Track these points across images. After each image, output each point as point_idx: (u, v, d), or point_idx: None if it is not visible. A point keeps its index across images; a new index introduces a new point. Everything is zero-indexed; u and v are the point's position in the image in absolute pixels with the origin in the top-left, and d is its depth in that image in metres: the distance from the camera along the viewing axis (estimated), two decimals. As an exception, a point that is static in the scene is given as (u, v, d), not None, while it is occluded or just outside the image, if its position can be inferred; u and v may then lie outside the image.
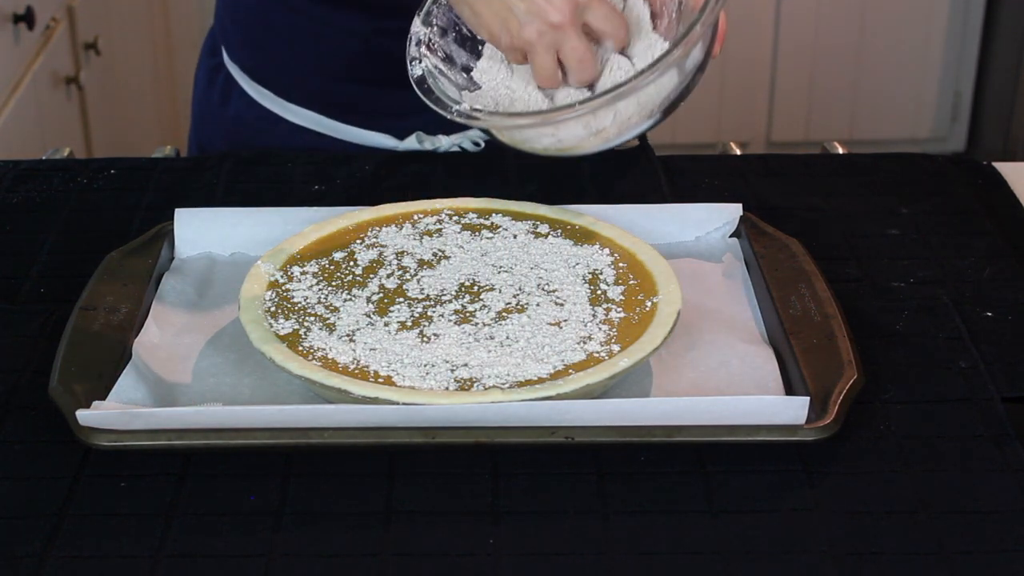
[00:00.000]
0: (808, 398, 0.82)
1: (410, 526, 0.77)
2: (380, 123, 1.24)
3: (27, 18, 1.96)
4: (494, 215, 1.01)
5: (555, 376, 0.84)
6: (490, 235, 0.99)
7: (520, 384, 0.83)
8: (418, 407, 0.81)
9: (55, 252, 1.05)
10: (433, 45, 1.02)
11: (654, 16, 1.01)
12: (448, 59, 1.02)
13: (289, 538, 0.76)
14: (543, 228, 1.00)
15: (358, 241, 0.98)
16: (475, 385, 0.83)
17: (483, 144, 1.24)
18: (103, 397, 0.84)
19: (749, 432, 0.81)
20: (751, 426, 0.81)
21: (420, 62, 1.01)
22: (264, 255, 0.95)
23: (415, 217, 1.01)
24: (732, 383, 0.87)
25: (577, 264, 0.95)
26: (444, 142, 1.23)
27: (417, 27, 1.03)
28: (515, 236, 0.99)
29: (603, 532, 0.76)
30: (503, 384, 0.83)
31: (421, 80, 1.00)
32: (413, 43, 1.02)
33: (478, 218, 1.01)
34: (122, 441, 0.81)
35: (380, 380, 0.83)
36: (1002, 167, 1.18)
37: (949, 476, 0.81)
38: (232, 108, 1.27)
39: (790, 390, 0.87)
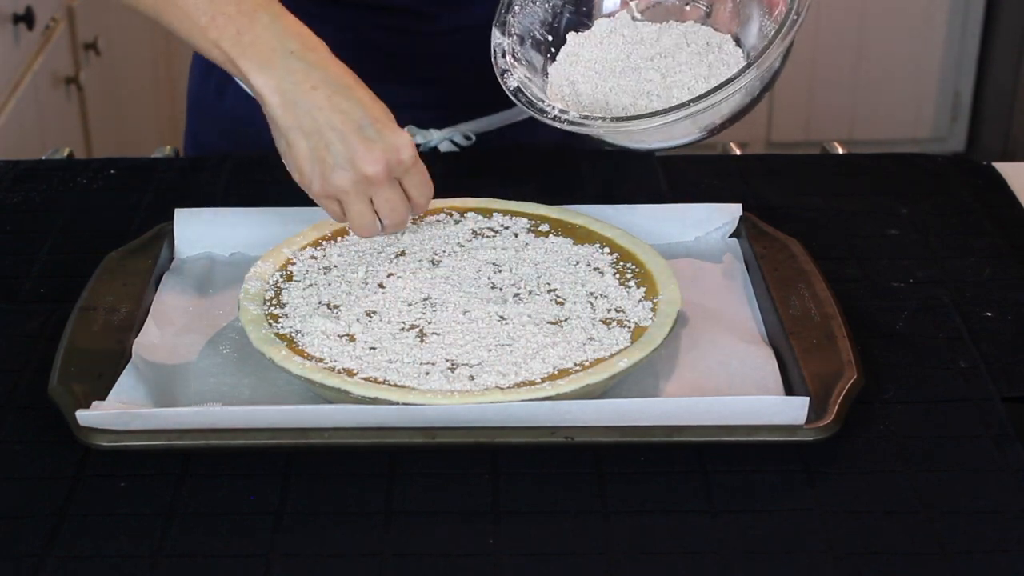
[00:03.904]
0: (808, 398, 0.82)
1: (410, 526, 0.77)
2: None
3: (27, 18, 1.96)
4: (495, 214, 1.01)
5: (555, 376, 0.84)
6: (491, 234, 0.99)
7: (520, 384, 0.83)
8: (418, 407, 0.81)
9: (55, 252, 1.05)
10: (516, 54, 1.01)
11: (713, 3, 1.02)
12: (530, 65, 1.02)
13: (289, 538, 0.76)
14: (543, 227, 1.00)
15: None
16: (475, 385, 0.83)
17: (474, 138, 1.24)
18: (103, 397, 0.84)
19: (749, 432, 0.81)
20: (751, 426, 0.81)
21: (511, 73, 1.00)
22: (264, 255, 0.95)
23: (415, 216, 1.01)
24: (732, 383, 0.87)
25: (577, 263, 0.95)
26: (436, 136, 1.23)
27: (498, 38, 1.02)
28: (515, 235, 0.99)
29: (603, 532, 0.76)
30: (503, 384, 0.83)
31: (518, 92, 0.99)
32: (499, 55, 1.01)
33: (478, 217, 1.01)
34: (121, 441, 0.81)
35: (380, 380, 0.83)
36: (1002, 167, 1.18)
37: (949, 476, 0.81)
38: (228, 102, 1.27)
39: (790, 390, 0.87)
